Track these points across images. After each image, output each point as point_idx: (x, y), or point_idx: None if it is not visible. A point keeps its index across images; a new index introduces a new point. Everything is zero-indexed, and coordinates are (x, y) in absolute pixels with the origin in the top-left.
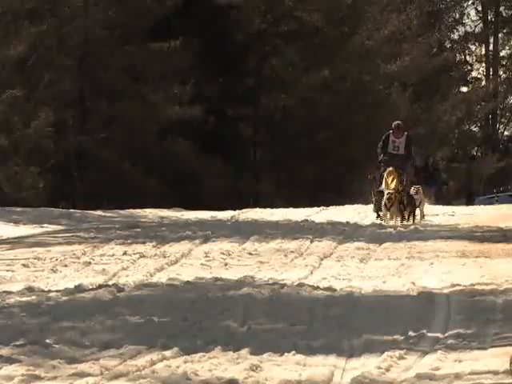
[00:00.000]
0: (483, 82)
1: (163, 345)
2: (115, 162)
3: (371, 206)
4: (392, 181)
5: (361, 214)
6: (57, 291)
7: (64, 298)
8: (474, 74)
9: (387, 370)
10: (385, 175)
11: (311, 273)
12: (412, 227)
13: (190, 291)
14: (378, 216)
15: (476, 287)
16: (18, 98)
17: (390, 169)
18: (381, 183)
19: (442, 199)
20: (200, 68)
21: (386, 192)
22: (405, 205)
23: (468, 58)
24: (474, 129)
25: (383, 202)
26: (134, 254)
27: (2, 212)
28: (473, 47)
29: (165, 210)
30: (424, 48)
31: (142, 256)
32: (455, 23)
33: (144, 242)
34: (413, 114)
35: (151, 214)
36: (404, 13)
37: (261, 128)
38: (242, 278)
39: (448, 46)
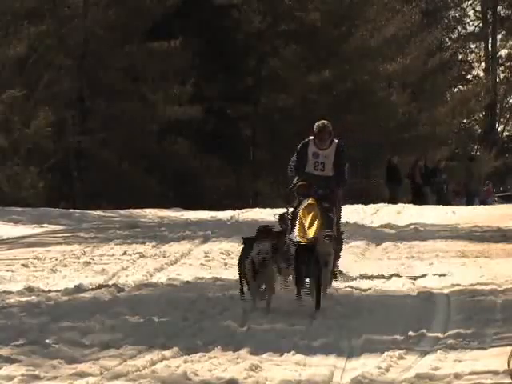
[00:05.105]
0: (482, 82)
1: (163, 345)
2: (115, 161)
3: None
4: (311, 224)
5: (360, 214)
6: (57, 291)
7: (64, 298)
8: (473, 73)
9: (387, 370)
10: (300, 213)
11: None
12: (412, 227)
13: (189, 291)
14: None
15: (476, 287)
16: (17, 98)
17: (309, 201)
18: (293, 227)
19: (443, 199)
20: (200, 68)
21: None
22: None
23: (467, 57)
24: (473, 127)
25: (246, 265)
26: (134, 253)
27: (2, 212)
28: (472, 46)
29: (165, 210)
30: (423, 48)
31: (142, 256)
32: (454, 23)
33: (144, 242)
34: (411, 113)
35: (151, 214)
36: (403, 13)
37: (260, 128)
38: None
39: (447, 46)
